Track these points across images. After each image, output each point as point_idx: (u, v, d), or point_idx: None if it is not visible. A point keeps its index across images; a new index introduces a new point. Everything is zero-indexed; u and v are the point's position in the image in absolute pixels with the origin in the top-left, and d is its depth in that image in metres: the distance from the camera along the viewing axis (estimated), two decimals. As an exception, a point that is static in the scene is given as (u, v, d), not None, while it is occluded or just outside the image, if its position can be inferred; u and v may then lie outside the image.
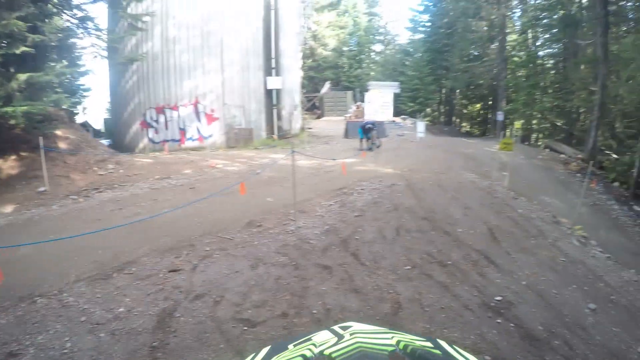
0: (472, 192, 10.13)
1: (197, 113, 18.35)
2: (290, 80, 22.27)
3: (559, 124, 28.01)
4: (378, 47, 50.19)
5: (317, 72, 42.47)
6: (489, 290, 5.43)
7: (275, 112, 20.55)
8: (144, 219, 7.01)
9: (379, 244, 6.61)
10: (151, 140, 18.44)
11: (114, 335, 3.92)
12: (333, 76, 41.36)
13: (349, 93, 35.99)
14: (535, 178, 14.95)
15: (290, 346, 1.07)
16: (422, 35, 39.90)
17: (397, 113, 33.17)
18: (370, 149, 16.71)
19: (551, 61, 31.30)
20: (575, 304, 5.58)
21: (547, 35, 29.45)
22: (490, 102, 36.24)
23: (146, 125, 18.43)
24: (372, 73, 43.78)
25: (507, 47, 32.22)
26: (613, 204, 14.35)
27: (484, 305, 5.02)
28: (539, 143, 30.60)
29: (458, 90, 37.86)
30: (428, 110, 37.46)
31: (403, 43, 46.65)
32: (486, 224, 7.91)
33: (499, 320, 4.72)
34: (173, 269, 5.36)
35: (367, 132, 17.12)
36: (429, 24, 38.74)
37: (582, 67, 23.88)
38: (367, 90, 32.01)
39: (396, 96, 32.40)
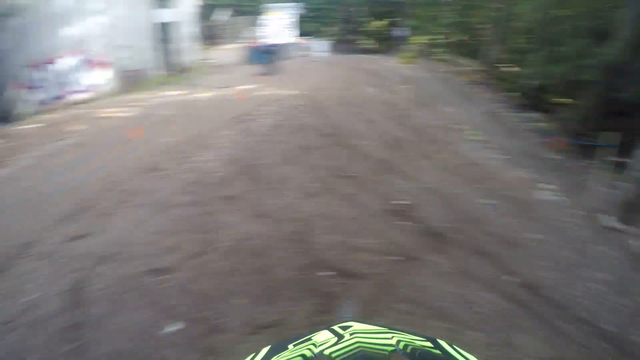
0: (375, 106, 10.21)
1: (84, 61, 16.06)
2: (182, 10, 20.35)
3: (459, 38, 28.83)
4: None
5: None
6: (393, 196, 5.61)
7: (167, 47, 18.75)
8: (38, 192, 6.25)
9: (283, 165, 6.50)
10: (36, 101, 16.02)
11: (31, 327, 3.42)
12: (233, 1, 38.83)
13: (249, 18, 34.13)
14: (436, 90, 15.26)
15: (290, 346, 1.05)
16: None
17: (301, 34, 32.13)
18: (272, 74, 16.14)
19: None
20: (474, 200, 5.91)
21: None
22: (394, 19, 36.30)
23: (27, 85, 15.93)
24: (272, -5, 41.68)
25: None
26: (509, 112, 15.23)
27: (390, 211, 5.22)
28: (442, 57, 31.66)
29: (362, 8, 37.39)
30: (332, 29, 36.69)
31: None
32: (389, 135, 8.13)
33: (404, 223, 4.95)
34: (75, 237, 4.79)
35: (268, 55, 16.38)
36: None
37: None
38: (266, 13, 30.48)
39: (299, 17, 31.20)
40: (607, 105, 14.56)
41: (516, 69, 21.12)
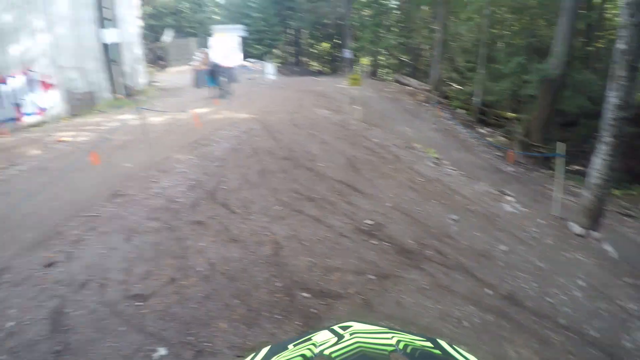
0: (326, 127, 10.09)
1: (30, 82, 15.01)
2: (129, 31, 19.61)
3: (404, 59, 29.70)
4: (220, -11, 47.42)
5: (157, 20, 38.87)
6: (359, 216, 5.51)
7: (115, 69, 17.84)
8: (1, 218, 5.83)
9: (246, 189, 6.33)
10: None
11: (14, 354, 3.35)
12: (175, 23, 38.29)
13: (193, 40, 33.69)
14: (385, 109, 15.47)
15: (290, 346, 1.01)
16: (266, -25, 38.39)
17: (246, 57, 31.99)
18: (222, 97, 15.62)
19: (395, 1, 32.58)
20: (439, 216, 5.88)
21: None
22: (338, 41, 37.01)
23: None
24: (215, 17, 41.51)
25: None
26: (460, 128, 15.56)
27: (357, 230, 5.14)
28: (388, 78, 32.51)
29: (305, 31, 37.95)
30: (277, 51, 36.89)
31: (246, -16, 44.55)
32: (344, 156, 7.94)
33: (374, 242, 4.90)
34: (48, 264, 4.55)
35: (216, 77, 16.01)
36: (274, -37, 37.36)
37: (423, 8, 25.34)
38: (211, 35, 30.21)
39: (244, 40, 31.07)
40: (550, 117, 15.32)
41: (461, 87, 22.01)
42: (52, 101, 15.43)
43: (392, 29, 29.65)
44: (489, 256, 4.91)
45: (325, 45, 40.17)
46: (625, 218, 9.12)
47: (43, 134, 12.28)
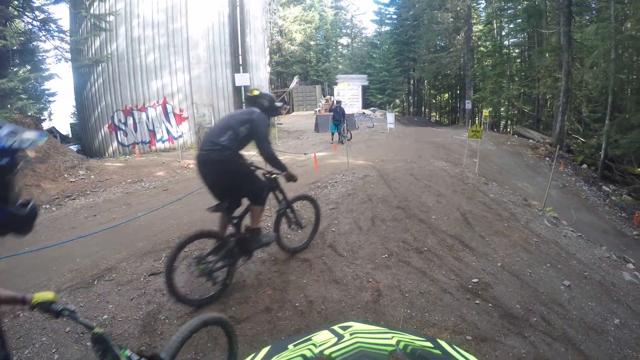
0: (443, 180, 10.21)
1: (166, 113, 18.11)
2: (258, 76, 22.16)
3: (526, 110, 28.72)
4: (345, 41, 50.32)
5: (284, 68, 42.26)
6: (466, 273, 5.49)
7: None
8: (119, 224, 6.89)
9: (355, 234, 6.56)
10: (121, 144, 18.09)
11: None
12: (301, 71, 41.22)
13: (318, 87, 35.97)
14: (505, 163, 15.16)
15: (290, 346, 1.07)
16: (388, 28, 40.21)
17: (366, 105, 33.31)
18: (341, 142, 16.58)
19: (516, 50, 31.96)
20: (550, 281, 5.73)
21: (511, 25, 30.00)
22: (458, 92, 36.83)
23: (115, 128, 18.05)
24: (340, 66, 43.92)
25: (473, 37, 32.76)
26: (582, 185, 14.77)
27: (462, 288, 5.09)
28: (508, 129, 31.42)
29: (426, 81, 38.31)
30: (397, 101, 37.80)
31: (370, 36, 46.94)
32: (459, 210, 7.97)
33: (477, 302, 4.79)
34: (153, 272, 5.26)
35: (338, 124, 17.13)
36: (395, 16, 39.14)
37: (547, 55, 24.51)
38: (335, 84, 32.06)
39: (364, 89, 32.55)
40: None
41: (585, 140, 20.68)
42: (183, 132, 18.15)
43: (513, 78, 29.07)
44: (599, 330, 4.69)
45: (445, 96, 40.09)
46: None
47: (171, 159, 14.21)
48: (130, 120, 17.90)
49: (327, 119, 19.16)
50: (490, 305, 4.76)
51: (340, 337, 1.06)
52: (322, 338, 1.07)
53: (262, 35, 23.34)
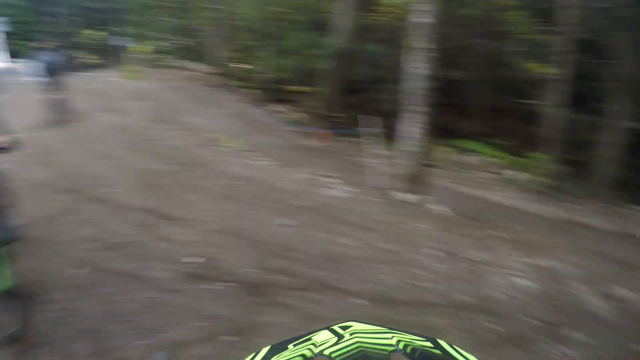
0: (111, 135, 8.45)
1: None
2: None
3: (187, 42, 28.23)
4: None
5: None
6: (179, 254, 4.14)
7: None
8: None
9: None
10: None
11: None
12: None
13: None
14: (174, 101, 14.06)
15: (290, 346, 0.95)
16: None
17: (14, 57, 26.12)
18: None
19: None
20: (272, 225, 5.01)
21: None
22: (116, 29, 33.59)
23: None
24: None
25: None
26: (254, 110, 15.15)
27: (184, 277, 3.80)
28: (172, 64, 30.67)
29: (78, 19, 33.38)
30: (46, 45, 31.58)
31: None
32: (140, 171, 6.45)
33: (205, 286, 3.70)
34: None
35: None
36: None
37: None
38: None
39: (9, 35, 25.44)
40: (342, 87, 15.91)
41: (247, 66, 21.47)
42: None
43: (167, 10, 27.77)
44: (341, 259, 4.33)
45: (97, 33, 35.88)
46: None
47: None
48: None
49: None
50: (223, 284, 3.68)
51: (340, 336, 0.95)
52: (322, 338, 0.96)
53: None
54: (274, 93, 18.51)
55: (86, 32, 31.78)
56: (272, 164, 7.72)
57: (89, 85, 15.84)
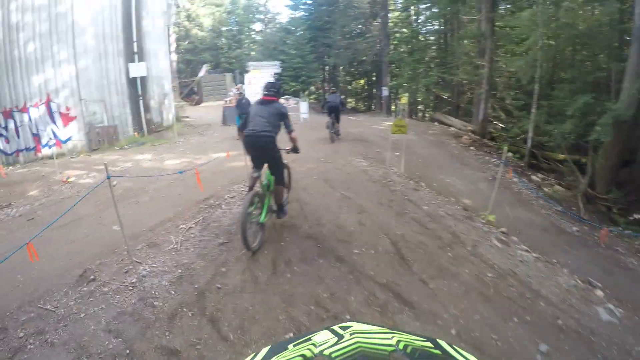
0: (365, 187, 8.38)
1: (50, 113, 14.57)
2: (158, 65, 19.13)
3: (444, 96, 28.28)
4: (258, 26, 47.70)
5: (193, 55, 39.18)
6: None
7: (141, 103, 17.20)
8: None
9: (249, 292, 4.34)
10: (3, 152, 14.22)
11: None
12: (212, 58, 38.44)
13: (228, 75, 33.44)
14: (429, 155, 13.99)
15: (290, 346, 1.04)
16: (303, 13, 38.12)
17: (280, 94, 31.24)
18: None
19: (431, 37, 31.82)
20: (524, 349, 3.95)
21: (428, 13, 29.73)
22: (374, 78, 36.19)
23: None
24: (252, 53, 41.43)
25: (390, 23, 32.29)
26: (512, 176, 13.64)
27: None
28: (426, 116, 31.14)
29: (341, 67, 37.30)
30: (312, 88, 36.24)
31: (284, 21, 44.45)
32: (388, 236, 5.94)
33: None
34: None
35: (243, 114, 14.56)
36: (310, 1, 37.08)
37: (464, 42, 24.07)
38: (247, 72, 29.69)
39: (278, 76, 30.49)
40: (617, 163, 13.15)
41: (509, 126, 19.87)
42: (72, 134, 15.10)
43: (430, 65, 28.47)
44: None
45: (361, 82, 39.30)
46: None
47: (53, 170, 11.50)
48: (11, 124, 14.06)
49: (234, 112, 16.51)
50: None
51: (340, 337, 1.03)
52: (322, 338, 1.05)
53: (162, 18, 20.12)
54: (534, 159, 16.92)
55: (353, 81, 35.30)
56: (534, 258, 6.35)
57: (353, 129, 17.17)
